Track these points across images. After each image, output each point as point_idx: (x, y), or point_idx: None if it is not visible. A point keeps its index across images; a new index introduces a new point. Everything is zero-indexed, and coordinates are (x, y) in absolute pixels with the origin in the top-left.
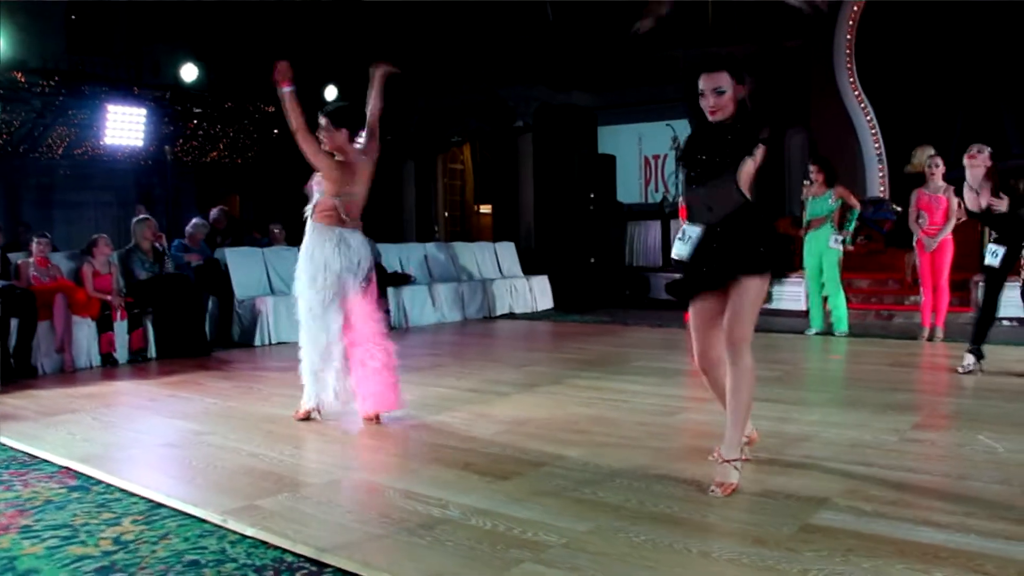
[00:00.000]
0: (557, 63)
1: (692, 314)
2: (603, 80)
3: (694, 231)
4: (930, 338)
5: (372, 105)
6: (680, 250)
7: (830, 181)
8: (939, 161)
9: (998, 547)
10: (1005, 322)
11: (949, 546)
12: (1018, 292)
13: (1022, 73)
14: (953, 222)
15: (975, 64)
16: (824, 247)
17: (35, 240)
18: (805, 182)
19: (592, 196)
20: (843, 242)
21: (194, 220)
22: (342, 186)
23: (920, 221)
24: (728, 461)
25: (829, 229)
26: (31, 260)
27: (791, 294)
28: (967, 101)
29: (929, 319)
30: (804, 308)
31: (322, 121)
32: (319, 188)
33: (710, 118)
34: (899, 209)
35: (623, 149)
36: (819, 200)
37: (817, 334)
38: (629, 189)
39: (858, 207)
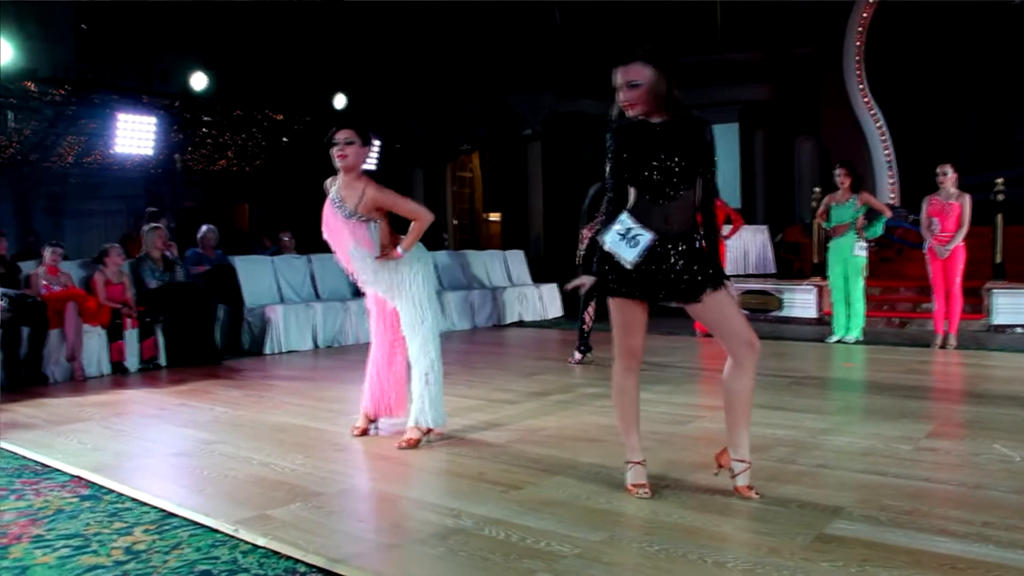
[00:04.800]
0: (566, 70)
1: (624, 312)
2: (612, 87)
3: (645, 237)
4: (943, 345)
5: None
6: (622, 250)
7: (855, 187)
8: (948, 168)
9: (1017, 557)
10: (1018, 329)
11: (967, 556)
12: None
13: None
14: (965, 229)
15: (986, 71)
16: (848, 254)
17: (48, 249)
18: (816, 188)
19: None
20: (866, 248)
21: (204, 226)
22: None
23: (932, 228)
24: (745, 462)
25: (853, 236)
26: (42, 269)
27: (802, 301)
28: (978, 108)
29: (942, 326)
30: (815, 316)
31: (347, 135)
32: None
33: (628, 112)
34: (915, 217)
35: None
36: (843, 207)
37: (839, 342)
38: None
39: (888, 214)
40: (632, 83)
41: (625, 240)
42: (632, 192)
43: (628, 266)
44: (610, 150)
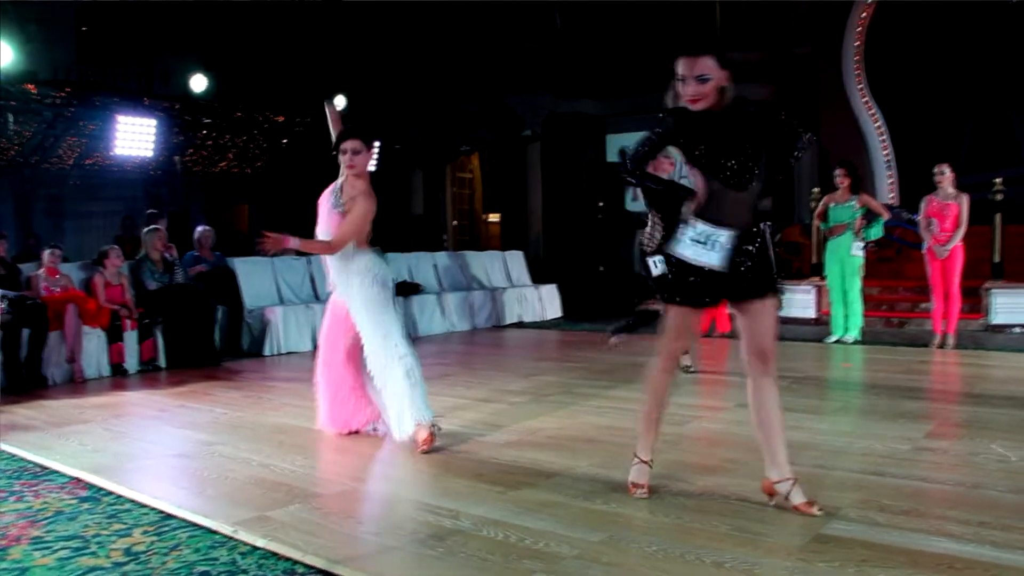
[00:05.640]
0: (565, 71)
1: (687, 318)
2: (612, 88)
3: (725, 237)
4: (941, 345)
5: (338, 129)
6: (705, 257)
7: (855, 188)
8: (945, 168)
9: (1014, 557)
10: (1016, 329)
11: (964, 556)
12: None
13: None
14: (964, 228)
15: (985, 70)
16: (846, 254)
17: (47, 251)
18: (815, 189)
19: (601, 204)
20: (864, 248)
21: (199, 227)
22: None
23: (930, 228)
24: (789, 479)
25: (851, 236)
26: (41, 271)
27: (800, 302)
28: (977, 107)
29: (940, 326)
30: (813, 316)
31: (354, 144)
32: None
33: (690, 106)
34: (913, 217)
35: None
36: (842, 207)
37: (837, 342)
38: None
39: (887, 215)
40: (702, 77)
41: (705, 246)
42: (702, 187)
43: (718, 269)
44: (667, 137)
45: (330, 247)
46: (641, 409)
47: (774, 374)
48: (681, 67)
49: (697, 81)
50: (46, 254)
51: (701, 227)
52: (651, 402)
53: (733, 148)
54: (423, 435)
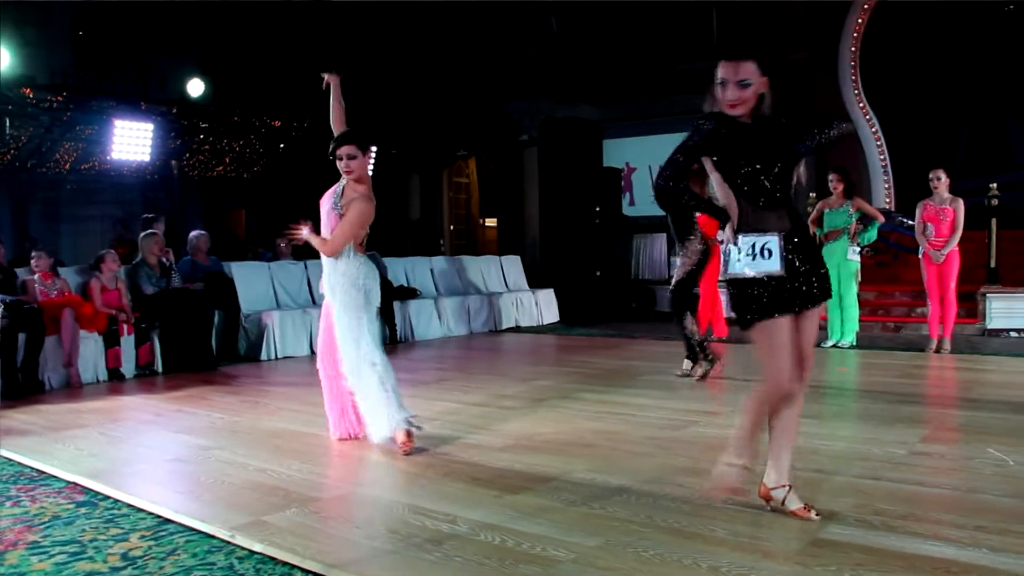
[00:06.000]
0: (562, 76)
1: (780, 331)
2: (608, 93)
3: (772, 241)
4: (937, 350)
5: (338, 113)
6: (763, 266)
7: (848, 192)
8: (941, 174)
9: (1009, 562)
10: (1012, 333)
11: (960, 560)
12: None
13: None
14: (959, 233)
15: (981, 76)
16: (841, 259)
17: (33, 255)
18: (811, 194)
19: (598, 209)
20: (859, 253)
21: (194, 232)
22: None
23: (926, 233)
24: (785, 485)
25: (846, 241)
26: (36, 276)
27: None
28: (973, 113)
29: (936, 331)
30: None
31: (348, 150)
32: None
33: (728, 112)
34: (908, 221)
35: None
36: (836, 212)
37: (834, 346)
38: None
39: (881, 219)
40: (744, 82)
41: (759, 256)
42: (733, 204)
43: (778, 274)
44: (703, 146)
45: (326, 246)
46: (760, 430)
47: (808, 380)
48: (722, 71)
49: (738, 86)
50: (32, 260)
51: (747, 239)
52: (749, 426)
53: (769, 163)
54: (401, 438)
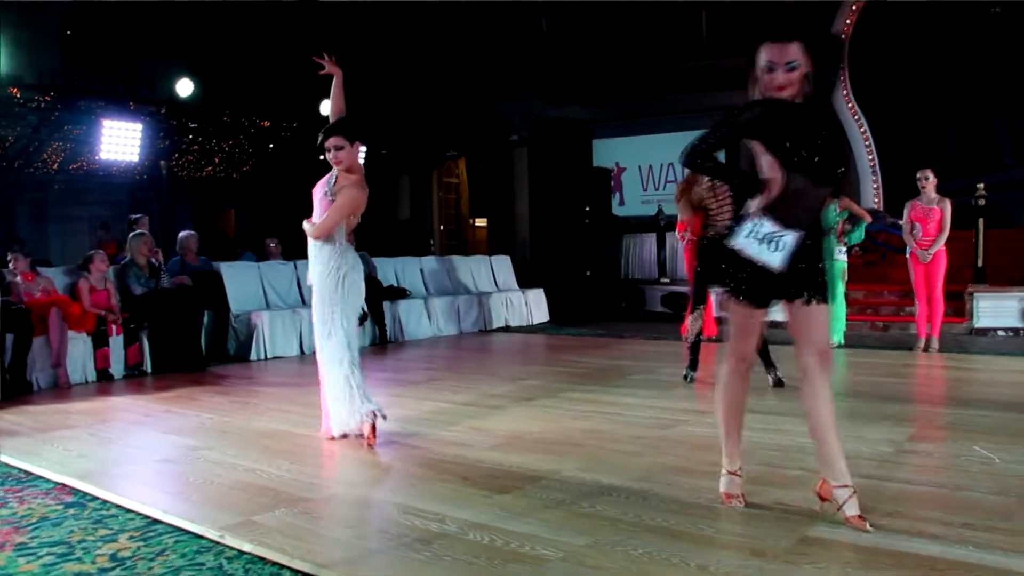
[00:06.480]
0: (552, 76)
1: (748, 315)
2: (598, 93)
3: (788, 238)
4: (925, 348)
5: (339, 106)
6: (765, 256)
7: (835, 192)
8: (929, 173)
9: (996, 559)
10: (1000, 332)
11: (947, 558)
12: (1012, 303)
13: (1014, 84)
14: (946, 233)
15: (968, 77)
16: (828, 258)
17: (9, 258)
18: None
19: (587, 209)
20: (846, 252)
21: (183, 232)
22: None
23: (914, 232)
24: (849, 487)
25: (832, 240)
26: (18, 278)
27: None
28: (961, 114)
29: (924, 330)
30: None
31: (335, 141)
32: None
33: (776, 95)
34: (897, 221)
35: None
36: (824, 211)
37: None
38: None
39: (868, 219)
40: (791, 64)
41: (766, 244)
42: (779, 182)
43: (776, 271)
44: (746, 128)
45: (314, 229)
46: (719, 417)
47: (824, 368)
48: (768, 54)
49: (786, 68)
50: (11, 262)
51: (768, 226)
52: (726, 406)
53: (817, 142)
54: (366, 431)
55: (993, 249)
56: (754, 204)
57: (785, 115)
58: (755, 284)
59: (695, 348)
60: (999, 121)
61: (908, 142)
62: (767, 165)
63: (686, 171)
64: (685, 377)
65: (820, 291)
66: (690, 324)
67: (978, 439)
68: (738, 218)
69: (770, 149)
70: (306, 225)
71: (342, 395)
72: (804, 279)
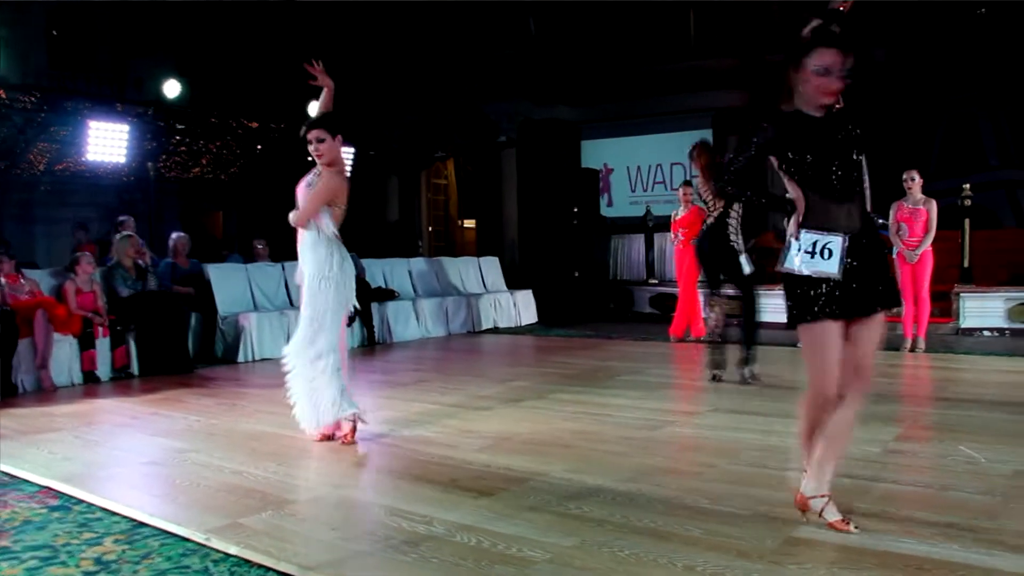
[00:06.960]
0: (540, 78)
1: (826, 335)
2: (587, 94)
3: (835, 242)
4: (912, 349)
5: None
6: (820, 266)
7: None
8: (915, 174)
9: (981, 558)
10: (986, 332)
11: (932, 557)
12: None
13: (1000, 85)
14: (932, 234)
15: (954, 77)
16: None
17: None
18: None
19: (576, 210)
20: None
21: (175, 234)
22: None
23: (900, 233)
24: (823, 496)
25: None
26: (3, 280)
27: (774, 307)
28: (947, 114)
29: (911, 330)
30: (786, 321)
31: (316, 134)
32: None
33: (824, 101)
34: (882, 221)
35: (618, 161)
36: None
37: None
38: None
39: None
40: (846, 73)
41: (817, 255)
42: (800, 198)
43: (836, 278)
44: (767, 146)
45: (297, 216)
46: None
47: (865, 391)
48: (828, 59)
49: (841, 76)
50: None
51: (809, 236)
52: (803, 432)
53: (839, 155)
54: (346, 428)
55: (979, 250)
56: (791, 224)
57: (805, 130)
58: (836, 295)
59: (717, 344)
60: (985, 122)
61: (894, 143)
62: (785, 181)
63: (693, 152)
64: (713, 378)
65: (890, 298)
66: (709, 319)
67: (964, 439)
68: (787, 243)
69: (788, 167)
70: (291, 215)
71: (324, 394)
72: (873, 284)
